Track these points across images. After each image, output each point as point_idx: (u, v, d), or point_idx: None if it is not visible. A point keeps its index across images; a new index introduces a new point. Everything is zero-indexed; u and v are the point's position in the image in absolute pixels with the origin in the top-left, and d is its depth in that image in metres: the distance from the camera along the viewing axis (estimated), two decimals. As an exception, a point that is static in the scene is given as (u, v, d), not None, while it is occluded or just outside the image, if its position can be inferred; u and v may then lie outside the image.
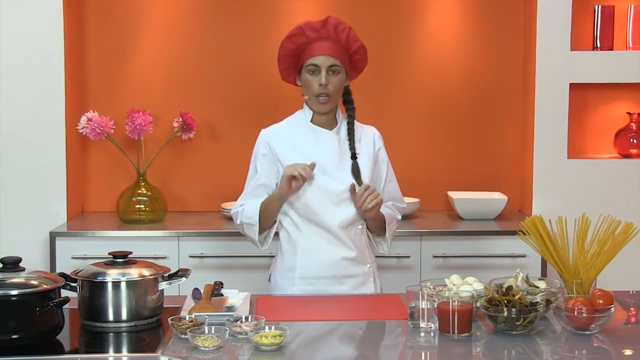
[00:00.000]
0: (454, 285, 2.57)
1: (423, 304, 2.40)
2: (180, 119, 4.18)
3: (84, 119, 4.04)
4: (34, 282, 2.28)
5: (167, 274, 2.53)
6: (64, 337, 2.34)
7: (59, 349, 2.27)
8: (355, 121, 3.05)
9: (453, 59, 4.42)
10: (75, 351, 2.29)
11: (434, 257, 3.92)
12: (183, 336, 2.29)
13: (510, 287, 2.45)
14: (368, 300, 2.82)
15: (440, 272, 3.81)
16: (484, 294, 2.50)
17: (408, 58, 4.42)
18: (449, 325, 2.34)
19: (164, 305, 2.53)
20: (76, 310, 2.46)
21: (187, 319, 2.36)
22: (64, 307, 2.31)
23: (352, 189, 2.87)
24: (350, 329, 2.47)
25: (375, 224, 2.99)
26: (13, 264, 2.32)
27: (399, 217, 3.09)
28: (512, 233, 3.59)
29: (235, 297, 2.70)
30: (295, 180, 2.80)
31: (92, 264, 2.54)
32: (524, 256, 3.86)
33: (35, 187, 4.01)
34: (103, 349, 2.33)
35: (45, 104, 4.00)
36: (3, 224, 4.00)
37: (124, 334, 2.40)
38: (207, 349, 2.20)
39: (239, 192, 3.05)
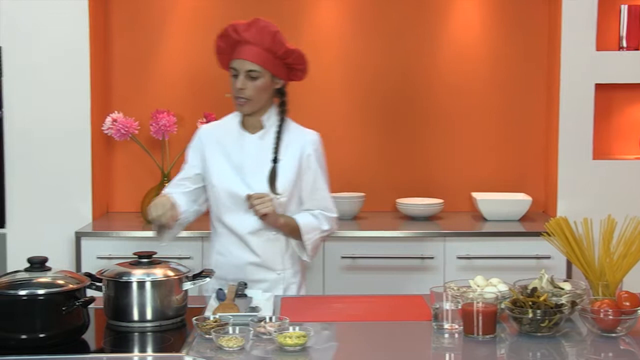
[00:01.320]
0: (478, 286, 2.56)
1: (447, 305, 2.40)
2: (204, 120, 4.19)
3: (109, 120, 4.06)
4: (60, 282, 2.30)
5: (191, 275, 2.54)
6: (90, 336, 2.35)
7: (84, 348, 2.28)
8: (294, 124, 3.00)
9: (477, 59, 4.40)
10: (100, 350, 2.31)
11: (458, 258, 3.91)
12: (207, 336, 2.29)
13: (535, 289, 2.44)
14: (392, 301, 2.81)
15: (464, 273, 3.79)
16: (508, 296, 2.48)
17: (432, 59, 4.40)
18: (473, 327, 2.33)
19: (188, 306, 2.54)
20: (101, 310, 2.48)
21: (212, 319, 2.37)
22: (89, 306, 2.32)
23: (247, 197, 2.84)
24: (374, 330, 2.47)
25: (285, 232, 2.94)
26: (40, 264, 2.34)
27: (326, 227, 2.99)
28: (537, 234, 3.57)
29: (259, 297, 2.71)
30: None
31: (117, 264, 2.55)
32: (549, 257, 3.84)
33: (61, 188, 4.04)
34: (128, 349, 2.34)
35: (71, 105, 4.03)
36: (30, 224, 4.03)
37: (149, 333, 2.41)
38: (231, 349, 2.21)
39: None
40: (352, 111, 4.48)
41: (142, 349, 2.37)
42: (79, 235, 3.85)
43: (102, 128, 4.07)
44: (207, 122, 4.19)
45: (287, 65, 2.94)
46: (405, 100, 4.43)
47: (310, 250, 2.96)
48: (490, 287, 2.54)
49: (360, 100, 4.47)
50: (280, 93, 2.98)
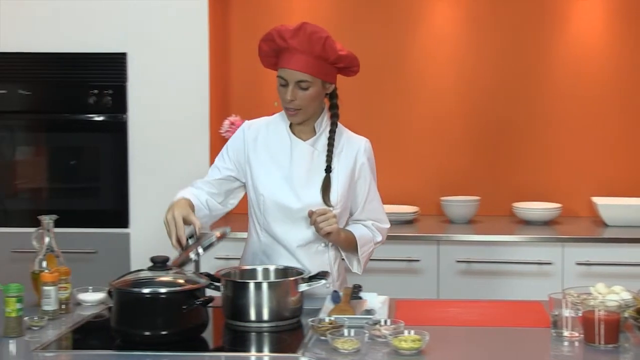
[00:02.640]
0: (599, 294, 2.48)
1: (566, 312, 2.34)
2: (320, 123, 4.22)
3: (226, 122, 4.14)
4: (181, 281, 2.36)
5: (307, 276, 2.56)
6: (209, 335, 2.40)
7: (204, 347, 2.34)
8: (345, 130, 2.85)
9: (597, 61, 4.30)
10: (219, 349, 2.37)
11: (577, 264, 3.81)
12: (323, 338, 2.31)
13: (660, 297, 2.36)
14: (509, 307, 2.76)
15: (583, 280, 3.69)
16: (632, 304, 2.40)
17: (549, 60, 4.32)
18: (594, 335, 2.26)
19: (304, 307, 2.56)
20: (219, 309, 2.52)
21: (327, 321, 2.38)
22: (208, 305, 2.36)
23: (309, 213, 2.67)
24: (490, 336, 2.43)
25: (342, 246, 2.81)
26: (162, 263, 2.41)
27: (379, 238, 2.88)
28: (662, 241, 3.45)
29: (374, 300, 2.71)
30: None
31: (235, 266, 2.60)
32: (675, 265, 3.70)
33: (180, 190, 4.13)
34: (245, 348, 2.38)
35: (191, 109, 4.13)
36: (152, 225, 4.15)
37: (265, 333, 2.43)
38: (346, 352, 2.22)
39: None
40: (467, 112, 4.44)
41: (259, 349, 2.40)
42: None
43: (220, 131, 4.16)
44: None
45: (339, 68, 2.77)
46: (522, 102, 4.35)
47: (364, 264, 2.86)
48: (612, 294, 2.47)
49: (474, 102, 4.42)
50: (331, 96, 2.81)
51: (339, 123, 2.83)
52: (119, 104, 4.14)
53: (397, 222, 4.21)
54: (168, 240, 4.02)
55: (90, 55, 4.12)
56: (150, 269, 2.41)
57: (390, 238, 3.89)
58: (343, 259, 2.89)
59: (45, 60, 4.14)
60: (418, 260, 3.91)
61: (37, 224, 4.25)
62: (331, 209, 2.73)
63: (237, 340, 2.41)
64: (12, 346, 2.30)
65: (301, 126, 2.79)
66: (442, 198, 4.30)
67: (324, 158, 2.76)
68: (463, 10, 4.38)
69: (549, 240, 3.84)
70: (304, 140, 2.79)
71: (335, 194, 2.76)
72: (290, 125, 2.80)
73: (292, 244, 2.78)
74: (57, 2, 4.09)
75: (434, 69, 4.43)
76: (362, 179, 2.83)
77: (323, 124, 2.80)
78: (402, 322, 2.36)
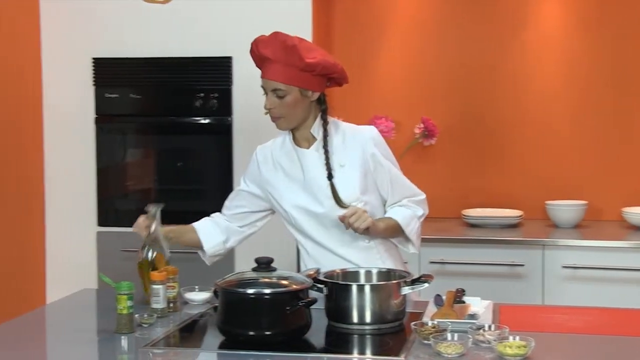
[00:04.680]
0: None
1: (680, 322, 2.26)
2: (422, 125, 4.21)
3: (329, 125, 4.17)
4: (285, 282, 2.39)
5: (410, 279, 2.56)
6: (311, 336, 2.41)
7: (307, 347, 2.35)
8: (346, 125, 2.86)
9: None
10: (322, 350, 2.38)
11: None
12: (426, 342, 2.30)
13: None
14: (618, 315, 2.69)
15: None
16: None
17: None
18: None
19: (406, 310, 2.55)
20: (322, 311, 2.53)
21: (430, 324, 2.37)
22: (311, 307, 2.39)
23: (341, 219, 2.68)
24: (599, 344, 2.37)
25: (388, 235, 2.82)
26: (266, 264, 2.44)
27: (420, 212, 2.87)
28: None
29: (478, 304, 2.68)
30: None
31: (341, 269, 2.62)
32: None
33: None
34: (348, 350, 2.39)
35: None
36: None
37: (368, 336, 2.44)
38: (449, 356, 2.20)
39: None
40: (576, 114, 4.35)
41: (362, 351, 2.41)
42: (300, 238, 3.97)
43: (323, 134, 4.18)
44: (425, 128, 4.21)
45: (320, 75, 2.75)
46: (633, 106, 4.23)
47: (415, 241, 2.85)
48: None
49: (584, 103, 4.32)
50: (319, 102, 2.80)
51: (339, 121, 2.88)
52: (224, 106, 4.22)
53: (501, 225, 4.16)
54: (271, 242, 4.11)
55: (197, 60, 4.22)
56: (254, 269, 2.45)
57: (493, 242, 3.87)
58: (396, 246, 2.91)
59: (154, 65, 4.26)
60: (522, 265, 3.84)
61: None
62: (359, 204, 2.75)
63: (340, 342, 2.42)
64: (124, 342, 2.38)
65: (301, 135, 2.83)
66: (548, 202, 4.22)
67: (331, 159, 2.79)
68: (571, 11, 4.29)
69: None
70: (307, 148, 2.82)
71: (354, 190, 2.77)
72: (293, 138, 2.85)
73: (335, 247, 2.81)
74: (164, 8, 4.19)
75: (541, 71, 4.36)
76: (379, 168, 2.83)
77: (320, 130, 2.81)
78: (507, 327, 2.32)
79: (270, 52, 2.72)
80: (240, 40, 4.19)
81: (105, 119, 4.33)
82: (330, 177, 2.77)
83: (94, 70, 4.30)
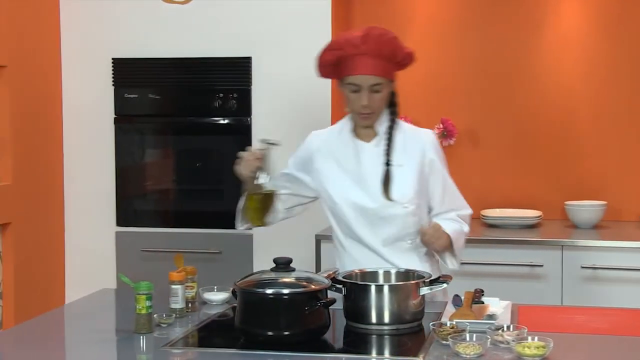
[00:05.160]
0: None
1: (700, 323, 2.25)
2: (441, 126, 4.20)
3: (348, 126, 4.17)
4: (303, 282, 2.39)
5: (428, 280, 2.55)
6: (330, 336, 2.42)
7: (326, 348, 2.36)
8: (407, 125, 2.86)
9: None
10: (341, 350, 2.38)
11: None
12: (444, 342, 2.29)
13: None
14: (637, 316, 2.66)
15: None
16: None
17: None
18: None
19: (425, 311, 2.55)
20: (340, 311, 2.54)
21: (448, 325, 2.37)
22: (330, 307, 2.39)
23: (422, 231, 2.70)
24: (619, 345, 2.36)
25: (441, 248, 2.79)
26: (284, 264, 2.45)
27: (466, 228, 2.85)
28: None
29: (496, 305, 2.67)
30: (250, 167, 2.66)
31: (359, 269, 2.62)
32: None
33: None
34: (366, 351, 2.39)
35: (313, 113, 4.17)
36: (273, 227, 4.21)
37: (386, 336, 2.44)
38: (468, 357, 2.19)
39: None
40: (595, 115, 4.32)
41: (380, 352, 2.41)
42: (318, 238, 3.98)
43: (342, 134, 4.18)
44: (445, 128, 4.20)
45: (397, 65, 2.78)
46: (653, 104, 4.21)
47: (460, 256, 2.84)
48: None
49: (604, 104, 4.30)
50: (392, 93, 2.81)
51: (400, 119, 2.85)
52: (243, 107, 4.23)
53: (520, 226, 4.14)
54: (289, 242, 4.12)
55: (217, 60, 4.23)
56: (273, 269, 2.45)
57: (512, 242, 3.85)
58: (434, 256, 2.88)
59: (174, 66, 4.28)
60: (541, 266, 3.83)
61: (164, 224, 4.41)
62: (410, 207, 2.74)
63: (358, 342, 2.42)
64: (142, 342, 2.39)
65: (364, 129, 2.81)
66: (567, 202, 4.20)
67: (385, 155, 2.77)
68: (591, 10, 4.27)
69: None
70: (367, 142, 2.80)
71: (401, 190, 2.75)
72: (355, 130, 2.82)
73: (377, 244, 2.79)
74: (184, 8, 4.21)
75: (561, 70, 4.34)
76: (435, 174, 2.82)
77: (383, 124, 2.81)
78: (526, 327, 2.32)
79: (369, 47, 2.67)
80: (259, 41, 4.21)
81: (124, 119, 4.35)
82: (388, 163, 2.75)
83: (113, 70, 4.33)
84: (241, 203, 2.83)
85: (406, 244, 2.81)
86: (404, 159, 2.78)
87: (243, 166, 2.69)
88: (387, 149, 2.77)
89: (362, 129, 2.82)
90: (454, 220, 2.84)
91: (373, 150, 2.80)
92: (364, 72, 2.68)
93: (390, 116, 2.81)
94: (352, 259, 2.84)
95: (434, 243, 2.73)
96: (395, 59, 2.73)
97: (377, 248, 2.80)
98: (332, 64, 2.76)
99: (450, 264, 2.86)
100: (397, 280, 2.64)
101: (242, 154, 2.70)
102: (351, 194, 2.79)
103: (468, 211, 2.90)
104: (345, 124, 2.86)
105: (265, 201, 2.71)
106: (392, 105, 2.82)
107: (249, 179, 2.69)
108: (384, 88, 2.73)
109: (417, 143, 2.81)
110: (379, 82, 2.70)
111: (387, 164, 2.76)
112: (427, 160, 2.80)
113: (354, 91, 2.72)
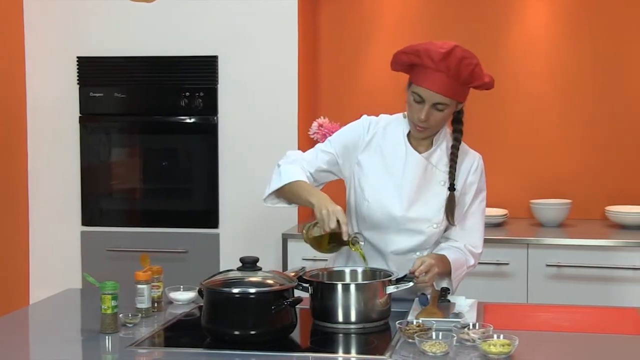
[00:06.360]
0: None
1: (662, 320, 2.28)
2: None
3: (315, 124, 4.18)
4: (270, 282, 2.38)
5: (395, 278, 2.56)
6: (296, 335, 2.42)
7: (292, 347, 2.35)
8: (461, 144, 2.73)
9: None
10: (307, 350, 2.38)
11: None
12: (410, 340, 2.30)
13: None
14: (602, 313, 2.70)
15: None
16: None
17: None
18: (691, 344, 2.20)
19: (392, 309, 2.55)
20: (307, 310, 2.54)
21: (415, 323, 2.38)
22: (296, 306, 2.38)
23: (412, 272, 2.55)
24: (582, 342, 2.39)
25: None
26: (251, 264, 2.44)
27: (472, 262, 2.77)
28: None
29: (462, 303, 2.69)
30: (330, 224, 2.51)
31: (323, 267, 2.61)
32: None
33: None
34: (333, 349, 2.39)
35: (280, 111, 4.18)
36: (240, 225, 4.21)
37: (353, 335, 2.44)
38: (434, 355, 2.21)
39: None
40: (560, 115, 4.36)
41: (347, 350, 2.41)
42: (285, 237, 3.98)
43: (309, 132, 4.19)
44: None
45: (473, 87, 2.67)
46: (617, 105, 4.25)
47: (455, 287, 2.78)
48: None
49: (567, 104, 4.34)
50: (458, 112, 2.70)
51: (461, 139, 2.74)
52: (209, 106, 4.21)
53: (486, 224, 4.15)
54: (256, 241, 4.11)
55: (183, 59, 4.21)
56: (239, 269, 2.44)
57: (479, 241, 3.86)
58: None
59: (139, 64, 4.25)
60: (507, 264, 3.86)
61: (130, 223, 4.37)
62: (440, 227, 2.70)
63: (325, 341, 2.42)
64: (108, 342, 2.37)
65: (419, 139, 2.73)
66: (532, 201, 4.23)
67: (436, 172, 2.71)
68: (557, 11, 4.31)
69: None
70: (420, 152, 2.72)
71: (443, 209, 2.70)
72: (408, 134, 2.74)
73: (387, 250, 2.75)
74: (150, 7, 4.18)
75: (527, 69, 4.37)
76: (467, 197, 2.76)
77: (440, 138, 2.73)
78: (491, 326, 2.33)
79: (446, 66, 2.55)
80: (226, 40, 4.20)
81: (89, 118, 4.32)
82: (452, 188, 2.68)
83: (78, 69, 4.29)
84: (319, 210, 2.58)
85: (414, 255, 2.74)
86: (446, 178, 2.71)
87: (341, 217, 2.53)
88: (452, 173, 2.68)
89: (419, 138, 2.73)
90: (461, 250, 2.77)
91: (422, 162, 2.70)
92: (432, 89, 2.58)
93: (455, 134, 2.71)
94: (353, 256, 2.75)
95: (427, 280, 2.58)
96: (470, 84, 2.63)
97: (385, 253, 2.75)
98: (405, 66, 2.69)
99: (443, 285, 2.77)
100: (363, 279, 2.65)
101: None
102: (387, 199, 2.71)
103: (479, 250, 2.81)
104: (402, 122, 2.76)
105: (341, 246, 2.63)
106: (457, 123, 2.71)
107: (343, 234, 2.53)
108: (448, 108, 2.62)
109: (465, 165, 2.75)
110: (444, 102, 2.59)
111: (452, 188, 2.69)
112: (467, 183, 2.76)
113: (417, 101, 2.63)
